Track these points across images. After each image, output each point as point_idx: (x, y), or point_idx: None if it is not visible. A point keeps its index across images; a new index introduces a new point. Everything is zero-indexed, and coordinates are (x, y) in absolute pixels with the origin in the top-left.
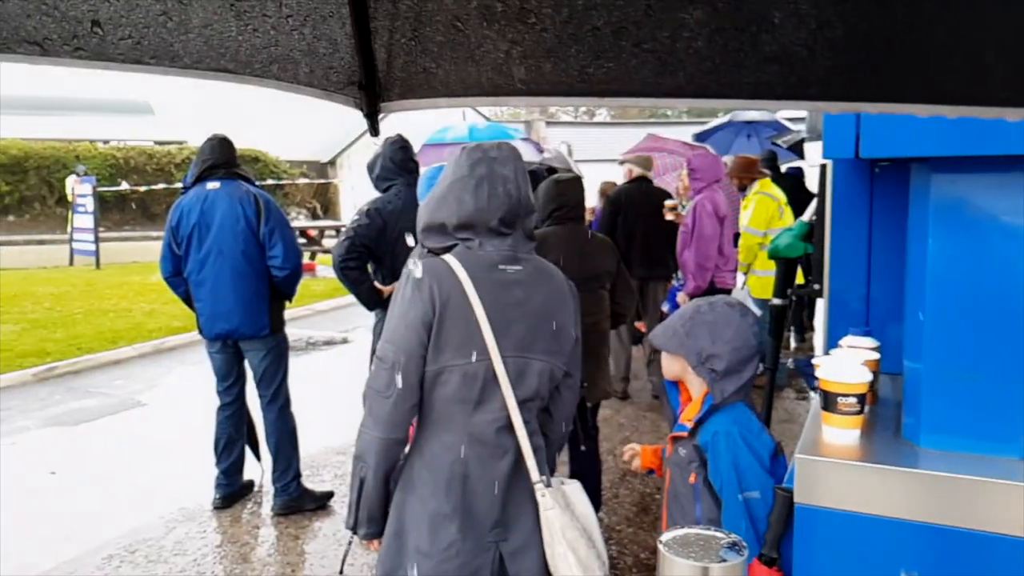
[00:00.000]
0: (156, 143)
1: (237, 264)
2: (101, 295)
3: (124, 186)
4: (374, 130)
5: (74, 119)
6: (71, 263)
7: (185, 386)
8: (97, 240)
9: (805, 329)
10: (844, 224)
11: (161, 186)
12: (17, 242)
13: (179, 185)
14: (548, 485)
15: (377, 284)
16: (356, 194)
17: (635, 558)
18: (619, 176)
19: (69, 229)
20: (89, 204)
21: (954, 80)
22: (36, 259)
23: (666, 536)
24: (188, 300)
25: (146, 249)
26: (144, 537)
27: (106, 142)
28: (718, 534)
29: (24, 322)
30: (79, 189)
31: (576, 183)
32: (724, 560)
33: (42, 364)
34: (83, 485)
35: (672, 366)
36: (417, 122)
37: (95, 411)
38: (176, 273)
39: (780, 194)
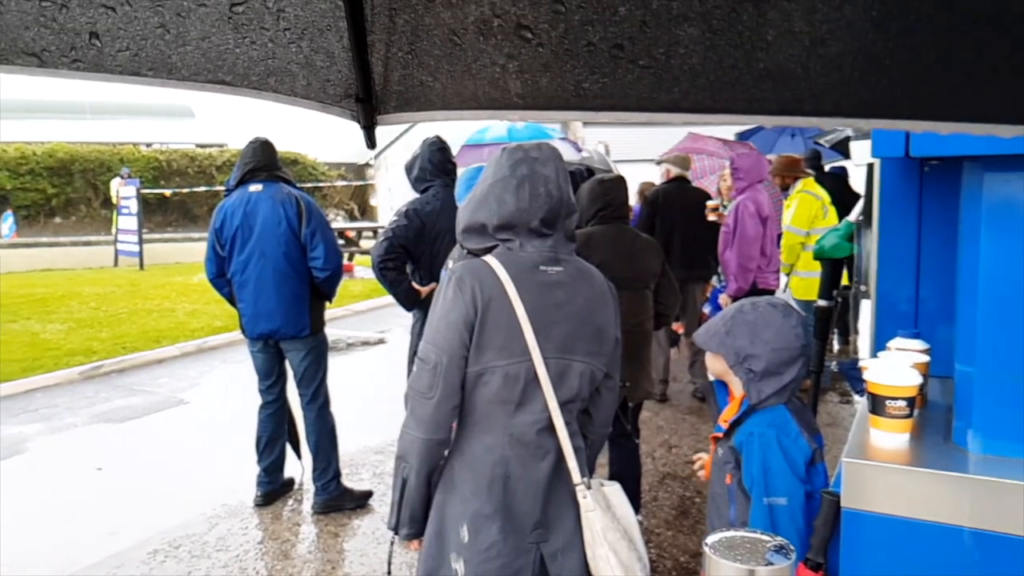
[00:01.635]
0: (197, 146)
1: (279, 265)
2: (145, 295)
3: (167, 188)
4: (370, 143)
5: (118, 123)
6: (116, 264)
7: (227, 385)
8: (141, 241)
9: (849, 332)
10: (892, 224)
11: (202, 188)
12: (64, 243)
13: (220, 188)
14: (589, 487)
15: (415, 285)
16: (393, 196)
17: (675, 561)
18: (656, 176)
19: (114, 230)
20: (133, 206)
21: (947, 97)
22: (82, 260)
23: (712, 538)
24: (232, 300)
25: (188, 250)
26: (188, 533)
27: (149, 145)
28: (764, 537)
29: (71, 321)
30: (123, 191)
31: (620, 182)
32: (771, 563)
33: (89, 362)
34: (128, 481)
35: (715, 365)
36: (455, 122)
37: (140, 409)
38: (220, 274)
39: (823, 193)
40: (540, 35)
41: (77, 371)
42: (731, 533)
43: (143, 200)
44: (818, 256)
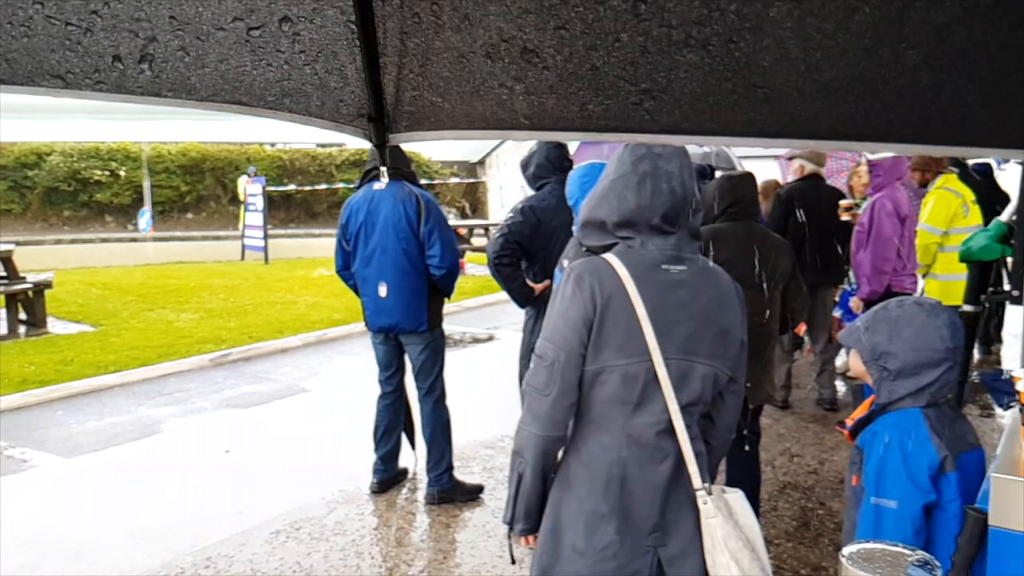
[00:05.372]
0: (318, 146)
1: (399, 262)
2: (269, 288)
3: (290, 186)
4: (383, 160)
5: (245, 123)
6: (242, 258)
7: (345, 375)
8: (266, 236)
9: (991, 340)
10: None
11: (323, 186)
12: (195, 238)
13: (339, 185)
14: (710, 493)
15: (529, 282)
16: (504, 193)
17: (795, 574)
18: (778, 174)
19: (241, 226)
20: (259, 203)
21: (938, 120)
22: (212, 254)
23: (849, 549)
24: (358, 292)
25: (309, 246)
26: (308, 515)
27: (273, 145)
28: (905, 550)
29: (202, 311)
30: (250, 189)
31: (750, 179)
32: None
33: (218, 350)
34: (253, 464)
35: (855, 362)
36: None
37: (264, 395)
38: (346, 267)
39: (965, 190)
40: (546, 59)
41: (207, 358)
42: (870, 544)
43: (268, 197)
44: (964, 258)
